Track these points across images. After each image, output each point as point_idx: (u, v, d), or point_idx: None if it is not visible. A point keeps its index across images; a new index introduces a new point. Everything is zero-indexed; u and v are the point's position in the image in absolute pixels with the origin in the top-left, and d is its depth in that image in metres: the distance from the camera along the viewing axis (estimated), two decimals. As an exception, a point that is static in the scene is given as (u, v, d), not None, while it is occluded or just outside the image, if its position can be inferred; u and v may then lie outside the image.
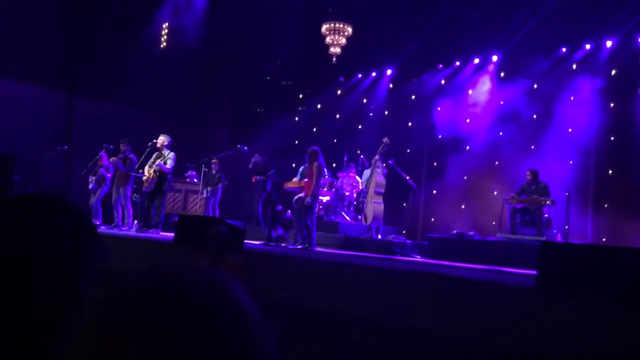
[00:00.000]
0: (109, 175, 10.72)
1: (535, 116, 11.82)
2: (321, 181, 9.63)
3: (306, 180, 8.98)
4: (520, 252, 8.38)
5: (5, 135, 12.88)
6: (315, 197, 8.61)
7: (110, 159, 10.66)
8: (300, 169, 11.75)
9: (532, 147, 11.85)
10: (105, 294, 0.66)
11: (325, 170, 10.32)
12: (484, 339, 3.72)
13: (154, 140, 10.08)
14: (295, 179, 11.81)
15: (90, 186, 10.79)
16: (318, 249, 9.16)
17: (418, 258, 9.18)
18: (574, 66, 11.69)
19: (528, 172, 9.89)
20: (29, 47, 13.06)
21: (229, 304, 0.66)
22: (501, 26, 11.70)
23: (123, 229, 10.32)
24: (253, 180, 11.98)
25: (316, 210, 9.02)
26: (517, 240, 9.19)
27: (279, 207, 8.68)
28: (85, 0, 11.89)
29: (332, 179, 12.60)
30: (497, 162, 12.35)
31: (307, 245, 8.49)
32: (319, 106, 15.87)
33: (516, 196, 9.79)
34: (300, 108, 16.50)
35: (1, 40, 12.79)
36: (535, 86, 11.92)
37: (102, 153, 10.78)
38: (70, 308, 1.03)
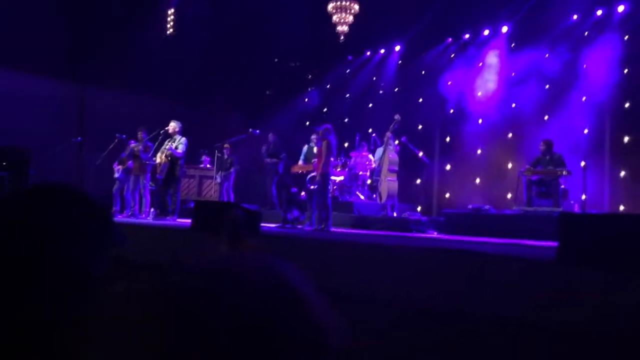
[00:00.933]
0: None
1: (547, 86, 11.67)
2: (333, 160, 9.58)
3: (316, 160, 8.84)
4: (537, 224, 8.34)
5: (19, 129, 12.99)
6: (325, 175, 8.45)
7: (131, 146, 10.60)
8: (304, 149, 11.70)
9: (546, 117, 11.74)
10: (151, 291, 0.65)
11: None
12: (508, 314, 3.72)
13: (166, 127, 10.10)
14: (300, 163, 11.74)
15: (118, 175, 10.77)
16: (333, 229, 9.18)
17: (434, 234, 9.18)
18: (586, 33, 11.50)
19: (542, 143, 9.78)
20: (39, 40, 13.09)
21: (287, 290, 0.67)
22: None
23: (140, 217, 10.39)
24: (265, 162, 11.97)
25: (330, 189, 8.88)
26: (533, 212, 9.13)
27: (294, 189, 8.68)
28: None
29: (344, 159, 12.59)
30: (510, 135, 12.25)
31: (323, 225, 8.48)
32: (328, 86, 15.79)
33: (531, 168, 9.70)
34: (309, 89, 16.43)
35: (12, 34, 12.83)
36: (547, 56, 11.74)
37: (131, 142, 10.73)
38: (83, 294, 1.04)
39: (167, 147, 9.93)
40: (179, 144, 9.89)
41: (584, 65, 11.31)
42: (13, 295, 0.98)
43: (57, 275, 1.01)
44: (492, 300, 3.88)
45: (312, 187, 8.56)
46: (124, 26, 13.54)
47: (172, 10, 14.83)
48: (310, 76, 16.51)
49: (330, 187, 8.73)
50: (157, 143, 10.25)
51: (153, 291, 0.65)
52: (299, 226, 8.77)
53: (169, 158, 9.84)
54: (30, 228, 1.01)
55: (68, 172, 12.21)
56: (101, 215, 1.14)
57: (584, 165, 9.78)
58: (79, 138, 11.11)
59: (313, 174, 8.44)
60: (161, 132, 10.22)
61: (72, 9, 12.65)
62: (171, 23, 14.91)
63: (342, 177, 12.35)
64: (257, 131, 11.97)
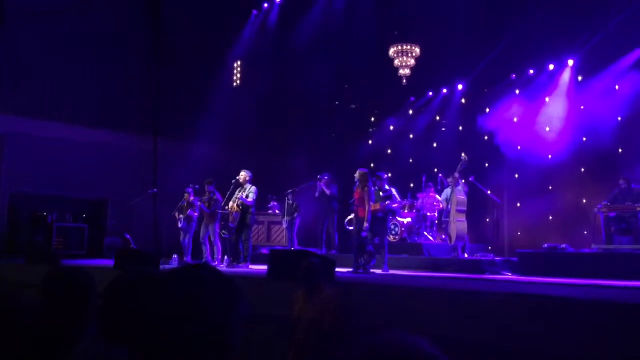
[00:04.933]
0: (195, 214, 11.05)
1: (619, 118, 11.35)
2: (393, 203, 9.68)
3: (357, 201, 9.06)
4: (619, 262, 8.04)
5: (99, 181, 13.73)
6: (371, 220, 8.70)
7: (197, 200, 10.95)
8: (372, 190, 11.74)
9: (620, 150, 11.38)
10: None
11: (394, 192, 10.27)
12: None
13: (237, 177, 10.40)
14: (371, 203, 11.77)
15: (180, 225, 11.13)
16: (402, 272, 9.17)
17: (509, 275, 8.96)
18: (657, 63, 11.18)
19: (622, 180, 9.49)
20: (116, 98, 13.93)
21: None
22: (575, 30, 11.36)
23: (213, 264, 10.63)
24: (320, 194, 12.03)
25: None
26: (614, 250, 8.79)
27: (364, 234, 8.70)
28: (162, 52, 12.59)
29: (411, 200, 12.55)
30: (582, 169, 11.90)
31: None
32: (391, 127, 15.88)
33: (608, 204, 9.38)
34: (370, 130, 16.57)
35: (91, 93, 13.72)
36: (617, 87, 11.45)
37: (189, 189, 11.09)
38: None
39: (238, 195, 10.21)
40: (250, 192, 10.15)
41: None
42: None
43: (211, 351, 1.11)
44: (584, 347, 3.77)
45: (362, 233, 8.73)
46: (194, 81, 14.23)
47: (238, 62, 15.43)
48: (372, 118, 16.67)
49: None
50: (228, 192, 10.55)
51: None
52: (375, 270, 8.76)
53: (240, 207, 10.11)
54: (188, 310, 1.12)
55: (145, 223, 12.70)
56: (233, 290, 1.24)
57: (664, 199, 9.37)
58: (155, 189, 11.57)
59: (350, 217, 8.64)
60: (232, 181, 10.53)
61: (147, 67, 13.40)
62: (238, 75, 15.51)
63: (409, 219, 12.30)
64: (325, 176, 12.15)
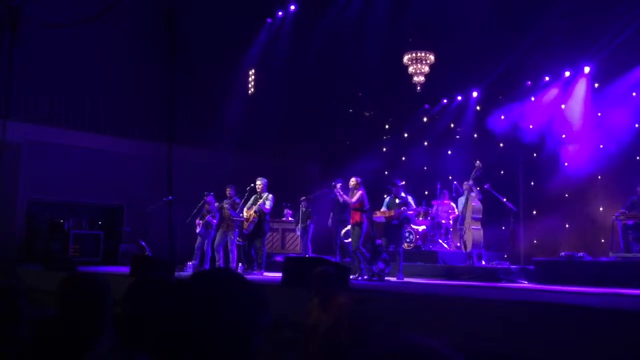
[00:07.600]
0: (214, 221, 10.91)
1: (637, 125, 11.23)
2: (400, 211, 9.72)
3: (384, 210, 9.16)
4: (637, 271, 7.93)
5: (114, 188, 13.84)
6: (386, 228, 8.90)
7: (218, 204, 10.86)
8: (386, 200, 11.68)
9: (638, 157, 11.25)
10: None
11: (411, 199, 10.23)
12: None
13: (252, 184, 10.41)
14: (383, 209, 11.74)
15: (198, 230, 10.99)
16: (417, 280, 9.12)
17: (525, 284, 8.87)
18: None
19: (639, 188, 9.36)
20: (131, 106, 14.05)
21: None
22: (591, 37, 11.28)
23: (227, 271, 10.59)
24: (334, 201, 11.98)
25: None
26: (632, 258, 8.67)
27: (378, 241, 8.67)
28: (177, 60, 12.65)
29: (426, 207, 12.46)
30: (599, 177, 11.78)
31: (358, 274, 8.80)
32: (405, 135, 15.84)
33: (626, 212, 9.26)
34: (384, 137, 16.53)
35: (107, 101, 13.86)
36: (634, 94, 11.34)
37: (211, 198, 10.97)
38: None
39: (257, 203, 10.21)
40: (266, 200, 10.17)
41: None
42: None
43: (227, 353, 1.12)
44: (599, 357, 3.71)
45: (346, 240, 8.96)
46: (209, 89, 14.32)
47: (253, 70, 15.50)
48: (387, 126, 16.64)
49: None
50: (243, 199, 10.55)
51: None
52: (389, 278, 8.73)
53: (258, 214, 10.12)
54: (207, 313, 1.12)
55: (160, 230, 12.75)
56: (257, 297, 1.23)
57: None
58: (170, 197, 11.61)
59: (347, 228, 8.89)
60: (247, 188, 10.54)
61: (161, 72, 13.45)
62: (252, 83, 15.58)
63: (424, 227, 12.23)
64: (339, 183, 12.08)
